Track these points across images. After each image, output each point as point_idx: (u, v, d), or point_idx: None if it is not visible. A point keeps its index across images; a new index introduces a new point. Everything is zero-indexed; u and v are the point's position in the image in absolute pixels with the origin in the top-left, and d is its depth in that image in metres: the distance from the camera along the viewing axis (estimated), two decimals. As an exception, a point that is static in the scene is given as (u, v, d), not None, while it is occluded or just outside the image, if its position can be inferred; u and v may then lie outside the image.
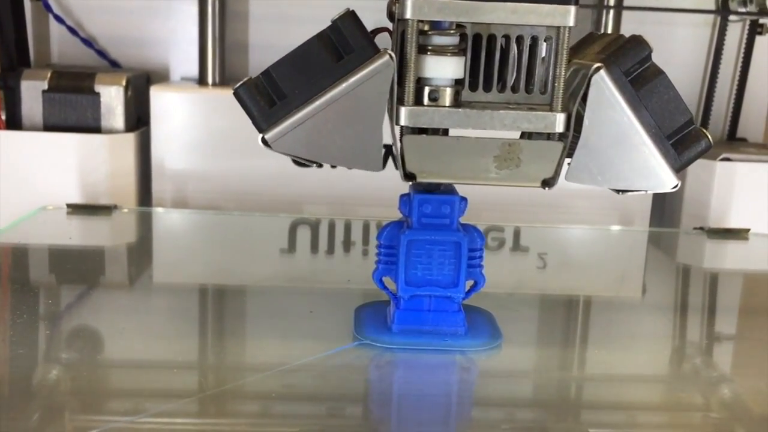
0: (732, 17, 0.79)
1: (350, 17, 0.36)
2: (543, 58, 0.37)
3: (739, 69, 0.80)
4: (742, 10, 0.78)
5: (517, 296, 0.56)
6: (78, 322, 0.48)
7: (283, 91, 0.36)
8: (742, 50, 0.79)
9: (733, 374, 0.45)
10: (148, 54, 0.81)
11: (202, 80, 0.79)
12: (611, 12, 0.78)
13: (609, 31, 0.77)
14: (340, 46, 0.36)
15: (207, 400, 0.37)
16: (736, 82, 0.80)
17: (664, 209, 0.81)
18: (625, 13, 0.79)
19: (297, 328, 0.47)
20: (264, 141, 0.35)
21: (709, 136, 0.37)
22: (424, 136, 0.36)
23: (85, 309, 0.51)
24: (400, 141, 0.36)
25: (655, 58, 0.75)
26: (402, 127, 0.36)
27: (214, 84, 0.79)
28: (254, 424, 0.36)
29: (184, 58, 0.82)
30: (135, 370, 0.41)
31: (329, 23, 0.36)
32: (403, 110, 0.36)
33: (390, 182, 0.75)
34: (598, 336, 0.51)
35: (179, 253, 0.65)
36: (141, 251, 0.66)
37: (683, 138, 0.36)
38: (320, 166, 0.39)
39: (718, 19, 0.79)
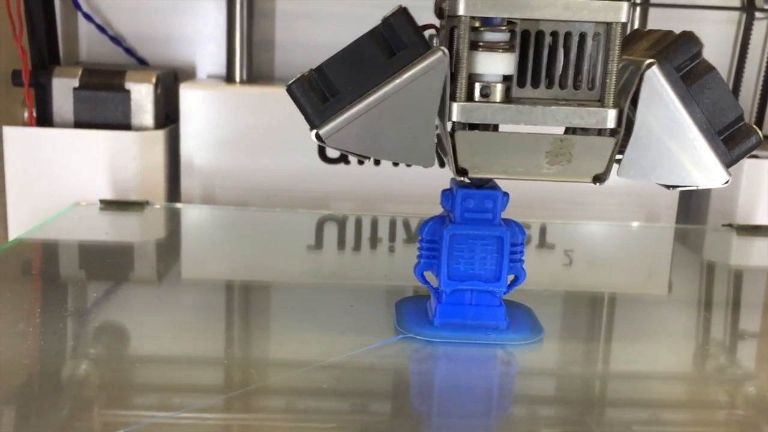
0: (758, 14, 0.79)
1: (403, 14, 0.36)
2: (590, 55, 0.37)
3: (764, 66, 0.80)
4: (769, 6, 0.78)
5: (549, 292, 0.56)
6: (126, 317, 0.48)
7: (336, 88, 0.36)
8: (768, 47, 0.80)
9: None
10: (176, 51, 0.82)
11: (229, 78, 0.80)
12: (638, 9, 0.78)
13: (626, 25, 0.77)
14: (393, 43, 0.36)
15: (253, 395, 0.37)
16: (761, 79, 0.80)
17: (690, 206, 0.81)
18: (652, 10, 0.79)
19: (337, 322, 0.47)
20: (318, 136, 0.36)
21: (760, 133, 0.37)
22: (477, 131, 0.37)
23: (130, 303, 0.52)
24: (452, 137, 0.37)
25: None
26: (454, 122, 0.37)
27: (242, 81, 0.79)
28: (297, 419, 0.36)
29: (210, 56, 0.82)
30: (177, 366, 0.42)
31: (381, 21, 0.36)
32: (455, 106, 0.36)
33: (416, 179, 0.76)
34: (632, 332, 0.51)
35: (211, 249, 0.65)
36: (174, 247, 0.67)
37: (733, 134, 0.37)
38: (368, 160, 0.39)
39: (744, 16, 0.80)
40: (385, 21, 0.36)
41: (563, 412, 0.39)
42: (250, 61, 0.80)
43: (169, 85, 0.77)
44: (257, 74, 0.81)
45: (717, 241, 0.72)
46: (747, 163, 0.74)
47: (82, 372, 0.40)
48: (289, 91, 0.36)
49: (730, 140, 0.37)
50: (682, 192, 0.77)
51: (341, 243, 0.66)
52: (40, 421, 0.35)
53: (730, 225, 0.71)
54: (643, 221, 0.77)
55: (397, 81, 0.35)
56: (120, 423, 0.34)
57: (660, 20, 0.79)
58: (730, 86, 0.81)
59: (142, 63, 0.81)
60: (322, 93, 0.36)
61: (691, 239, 0.74)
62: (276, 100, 0.76)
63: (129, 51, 0.81)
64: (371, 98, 0.35)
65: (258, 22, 0.81)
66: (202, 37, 0.82)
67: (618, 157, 0.37)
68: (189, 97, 0.75)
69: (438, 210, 0.44)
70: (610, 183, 0.38)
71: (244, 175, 0.76)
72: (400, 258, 0.65)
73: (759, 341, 0.50)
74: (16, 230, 0.72)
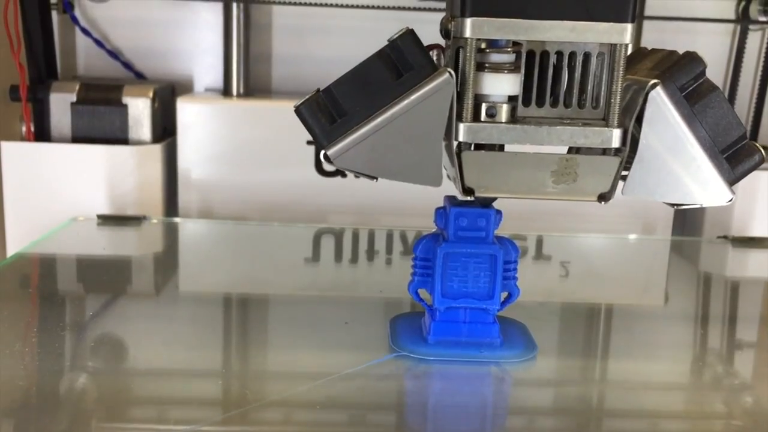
0: (752, 26, 0.80)
1: (410, 36, 0.36)
2: (594, 74, 0.38)
3: (759, 77, 0.80)
4: (763, 19, 0.78)
5: (545, 305, 0.56)
6: (125, 331, 0.48)
7: (344, 109, 0.36)
8: (762, 58, 0.80)
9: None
10: (173, 65, 0.82)
11: (226, 91, 0.80)
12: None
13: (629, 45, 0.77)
14: (400, 64, 0.36)
15: (249, 413, 0.37)
16: (756, 91, 0.81)
17: (686, 218, 0.82)
18: (646, 23, 0.80)
19: (332, 338, 0.47)
20: (326, 157, 0.36)
21: (762, 151, 0.37)
22: (483, 152, 0.37)
23: (128, 318, 0.52)
24: (458, 156, 0.37)
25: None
26: (460, 143, 0.37)
27: (239, 95, 0.79)
28: None
29: (208, 69, 0.83)
30: (170, 381, 0.42)
31: (388, 42, 0.37)
32: (462, 126, 0.36)
33: (412, 192, 0.76)
34: (628, 345, 0.51)
35: (209, 263, 0.65)
36: (172, 261, 0.67)
37: (737, 152, 0.37)
38: (376, 180, 0.39)
39: (738, 27, 0.80)
40: (393, 43, 0.36)
41: (556, 428, 0.39)
42: (247, 75, 0.80)
43: (167, 99, 0.77)
44: (254, 88, 0.81)
45: (713, 254, 0.73)
46: (742, 175, 0.74)
47: (81, 386, 0.40)
48: (298, 112, 0.36)
49: (733, 158, 0.37)
50: (677, 204, 0.77)
51: (338, 256, 0.66)
52: None
53: (725, 237, 0.72)
54: (640, 233, 0.77)
55: (405, 102, 0.35)
56: None
57: (655, 33, 0.79)
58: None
59: (140, 77, 0.82)
60: (330, 114, 0.36)
61: (687, 251, 0.74)
62: (273, 113, 0.76)
63: (127, 65, 0.81)
64: (379, 119, 0.36)
65: (255, 36, 0.81)
66: (200, 50, 0.82)
67: (623, 174, 0.38)
68: (186, 111, 0.75)
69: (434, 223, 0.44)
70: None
71: (242, 188, 0.76)
72: (397, 271, 0.65)
73: (756, 352, 0.51)
74: (13, 244, 0.72)
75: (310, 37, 0.81)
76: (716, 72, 0.82)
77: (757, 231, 0.74)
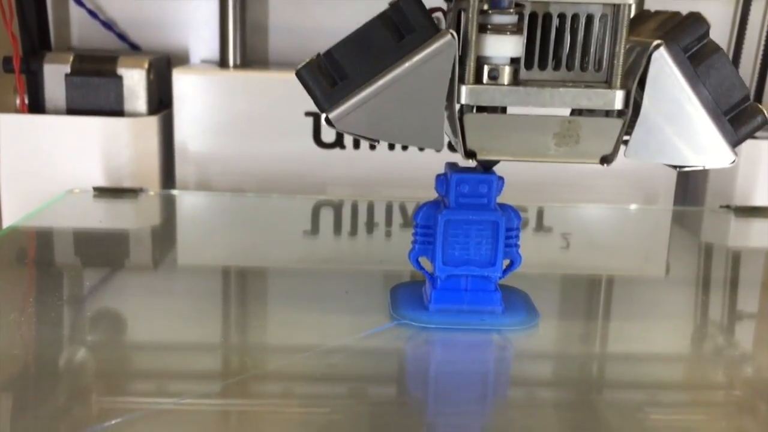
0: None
1: (411, -3, 0.36)
2: (597, 36, 0.37)
3: (763, 43, 0.80)
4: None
5: (547, 276, 0.56)
6: (122, 304, 0.48)
7: (345, 71, 0.36)
8: (766, 26, 0.79)
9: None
10: (168, 36, 0.81)
11: (223, 62, 0.79)
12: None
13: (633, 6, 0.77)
14: (402, 26, 0.36)
15: (247, 382, 0.37)
16: (759, 59, 0.80)
17: (688, 188, 0.82)
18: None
19: (333, 308, 0.47)
20: (328, 120, 0.36)
21: (765, 112, 0.37)
22: (485, 114, 0.37)
23: (125, 290, 0.51)
24: (460, 120, 0.37)
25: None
26: (462, 105, 0.37)
27: (235, 66, 0.79)
28: (293, 405, 0.36)
29: (204, 41, 0.82)
30: (168, 352, 0.42)
31: (389, 4, 0.36)
32: (464, 89, 0.36)
33: (413, 163, 0.76)
34: (629, 314, 0.51)
35: (207, 236, 0.65)
36: (169, 233, 0.67)
37: (740, 114, 0.37)
38: (378, 143, 0.39)
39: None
40: (394, 4, 0.36)
41: (557, 395, 0.39)
42: (244, 45, 0.79)
43: (162, 71, 0.77)
44: (251, 59, 0.80)
45: (715, 223, 0.73)
46: (745, 144, 0.74)
47: (78, 359, 0.40)
48: (299, 75, 0.36)
49: (736, 120, 0.37)
50: (679, 173, 0.77)
51: (337, 228, 0.66)
52: (39, 406, 0.35)
53: (728, 206, 0.72)
54: (641, 203, 0.77)
55: (407, 65, 0.35)
56: (117, 410, 0.35)
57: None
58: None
59: (135, 48, 0.81)
60: (331, 77, 0.36)
61: (689, 221, 0.74)
62: (270, 84, 0.75)
63: (121, 36, 0.80)
64: (380, 82, 0.35)
65: (251, 6, 0.80)
66: (195, 21, 0.81)
67: (625, 138, 0.37)
68: (182, 83, 0.74)
69: (434, 194, 0.44)
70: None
71: (239, 160, 0.76)
72: (397, 243, 0.65)
73: (756, 322, 0.51)
74: (8, 217, 0.72)
75: (308, 7, 0.80)
76: (720, 39, 0.80)
77: (760, 200, 0.74)
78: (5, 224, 0.72)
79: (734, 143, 0.37)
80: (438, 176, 0.42)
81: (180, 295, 0.51)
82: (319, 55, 0.36)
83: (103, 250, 0.59)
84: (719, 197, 0.76)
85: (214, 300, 0.50)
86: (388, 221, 0.69)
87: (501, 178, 0.41)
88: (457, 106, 0.37)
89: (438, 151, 0.37)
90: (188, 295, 0.51)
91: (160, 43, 0.81)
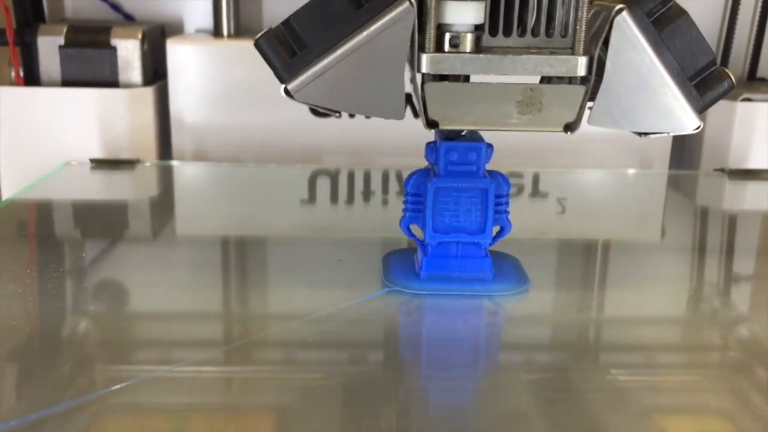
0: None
1: (369, -36, 0.35)
2: (563, 1, 0.37)
3: (759, 7, 0.78)
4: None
5: (539, 240, 0.56)
6: (123, 275, 0.49)
7: (304, 41, 0.36)
8: (758, 9, 0.78)
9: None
10: (162, 6, 0.81)
11: (217, 32, 0.79)
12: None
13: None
14: (360, -6, 0.35)
15: (241, 349, 0.38)
16: (756, 21, 0.78)
17: (684, 151, 0.81)
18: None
19: (326, 276, 0.47)
20: (286, 91, 0.36)
21: (732, 77, 0.37)
22: (446, 83, 0.36)
23: (126, 261, 0.52)
24: (422, 89, 0.36)
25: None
26: (423, 74, 0.36)
27: (230, 35, 0.79)
28: (287, 371, 0.37)
29: (197, 10, 0.82)
30: (167, 321, 0.43)
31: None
32: (424, 57, 0.36)
33: (408, 131, 0.76)
34: (622, 278, 0.51)
35: (205, 206, 0.65)
36: (166, 204, 0.67)
37: (706, 78, 0.36)
38: (339, 115, 0.39)
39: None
40: (352, -29, 0.35)
41: (548, 359, 0.39)
42: (238, 14, 0.79)
43: (156, 41, 0.77)
44: (245, 27, 0.80)
45: (709, 186, 0.72)
46: (740, 106, 0.73)
47: (81, 328, 0.41)
48: (257, 46, 0.36)
49: (703, 85, 0.36)
50: (675, 138, 0.76)
51: (334, 197, 0.66)
52: (43, 376, 0.36)
53: (722, 170, 0.71)
54: (637, 168, 0.76)
55: (364, 33, 0.35)
56: (119, 378, 0.35)
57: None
58: (725, 28, 0.80)
59: (129, 18, 0.81)
60: (290, 47, 0.36)
61: (684, 185, 0.73)
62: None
63: (114, 6, 0.80)
64: (339, 51, 0.35)
65: (245, -26, 0.80)
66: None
67: (589, 104, 0.37)
68: (176, 53, 0.74)
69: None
70: (603, 131, 0.38)
71: (235, 130, 0.76)
72: (392, 210, 0.65)
73: (752, 284, 0.51)
74: (6, 189, 0.73)
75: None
76: (716, 2, 0.80)
77: (755, 163, 0.73)
78: (4, 196, 0.73)
79: (700, 109, 0.36)
80: (428, 144, 0.43)
81: (179, 265, 0.52)
82: (279, 25, 0.36)
83: (102, 222, 0.60)
84: (715, 161, 0.75)
85: (212, 269, 0.50)
86: (385, 189, 0.69)
87: (490, 146, 0.41)
88: (419, 76, 0.36)
89: (400, 120, 0.37)
90: (187, 264, 0.52)
91: (153, 12, 0.81)
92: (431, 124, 0.37)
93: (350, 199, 0.67)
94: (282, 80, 0.36)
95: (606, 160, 0.76)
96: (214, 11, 0.78)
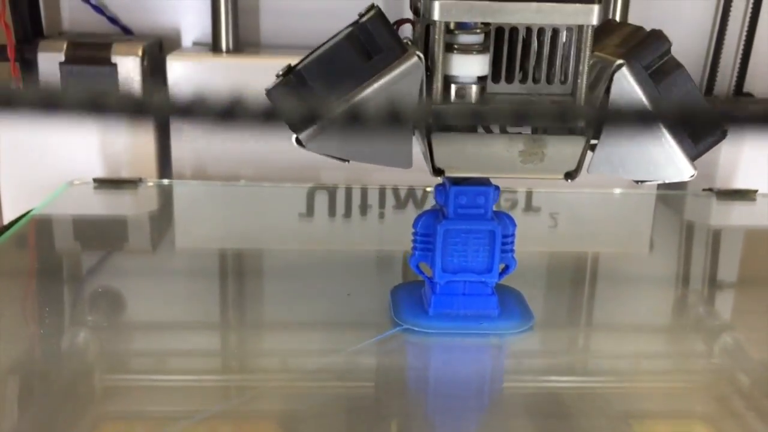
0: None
1: (378, 18, 0.36)
2: (563, 49, 0.38)
3: (747, 22, 0.79)
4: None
5: (534, 254, 0.59)
6: (131, 289, 0.53)
7: (315, 92, 0.37)
8: (751, 3, 0.79)
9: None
10: (159, 18, 0.81)
11: (215, 46, 0.79)
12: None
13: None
14: (369, 46, 0.37)
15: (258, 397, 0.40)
16: (743, 36, 0.80)
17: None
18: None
19: (336, 312, 0.49)
20: (298, 141, 0.37)
21: (726, 129, 0.38)
22: (453, 133, 0.38)
23: (131, 275, 0.56)
24: (428, 138, 0.38)
25: (664, 11, 0.76)
26: (429, 124, 0.38)
27: (228, 50, 0.79)
28: (292, 403, 0.39)
29: (195, 22, 0.82)
30: (168, 333, 0.46)
31: (356, 21, 0.37)
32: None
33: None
34: (613, 293, 0.55)
35: (208, 224, 0.67)
36: (169, 224, 0.68)
37: (699, 129, 0.38)
38: (348, 162, 0.40)
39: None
40: (361, 25, 0.36)
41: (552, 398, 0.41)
42: (236, 28, 0.79)
43: (155, 55, 0.77)
44: (243, 41, 0.81)
45: (697, 206, 0.74)
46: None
47: (83, 339, 0.44)
48: (269, 95, 0.37)
49: (695, 135, 0.38)
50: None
51: (332, 212, 0.68)
52: (43, 384, 0.38)
53: (710, 189, 0.73)
54: (625, 187, 0.78)
55: (374, 86, 0.36)
56: (120, 387, 0.38)
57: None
58: (712, 43, 0.81)
59: (126, 31, 0.81)
60: (300, 97, 0.37)
61: (672, 204, 0.75)
62: (264, 70, 0.75)
63: (112, 19, 0.80)
64: (348, 104, 0.36)
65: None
66: (186, 3, 0.81)
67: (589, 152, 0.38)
68: (176, 69, 0.75)
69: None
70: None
71: (235, 147, 0.77)
72: (389, 227, 0.67)
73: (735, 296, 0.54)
74: (7, 206, 0.73)
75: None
76: (704, 17, 0.80)
77: (741, 183, 0.74)
78: (5, 214, 0.73)
79: (694, 157, 0.38)
80: (437, 186, 0.44)
81: (179, 277, 0.56)
82: (289, 68, 0.37)
83: (112, 240, 0.63)
84: (702, 180, 0.77)
85: (212, 284, 0.54)
86: (381, 204, 0.71)
87: (497, 188, 0.43)
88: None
89: (408, 169, 0.38)
90: (189, 277, 0.55)
91: (151, 25, 0.81)
92: (437, 171, 0.38)
93: (347, 214, 0.69)
94: (293, 130, 0.37)
95: (595, 178, 0.77)
96: (213, 25, 0.78)
